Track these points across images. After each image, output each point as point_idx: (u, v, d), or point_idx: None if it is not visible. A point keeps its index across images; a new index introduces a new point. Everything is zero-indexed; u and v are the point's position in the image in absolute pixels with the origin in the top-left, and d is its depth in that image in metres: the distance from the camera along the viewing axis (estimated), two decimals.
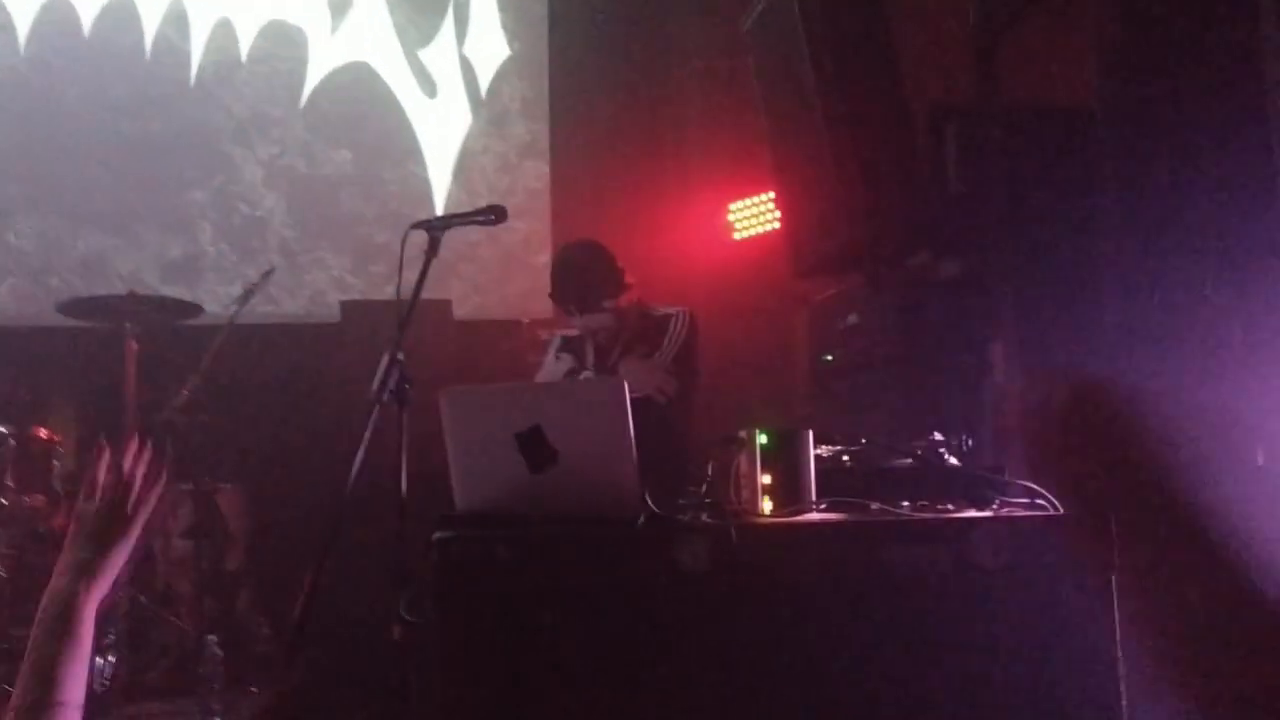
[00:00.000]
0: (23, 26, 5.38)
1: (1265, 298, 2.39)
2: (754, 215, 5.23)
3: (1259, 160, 2.24)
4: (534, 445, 2.01)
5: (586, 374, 3.47)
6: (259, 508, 4.99)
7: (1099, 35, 2.97)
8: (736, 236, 5.27)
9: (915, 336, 3.62)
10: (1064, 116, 3.36)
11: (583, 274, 3.51)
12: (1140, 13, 2.90)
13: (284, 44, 5.54)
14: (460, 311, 5.22)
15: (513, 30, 5.72)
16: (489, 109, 5.70)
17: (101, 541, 1.46)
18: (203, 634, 4.28)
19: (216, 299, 5.09)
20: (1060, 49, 3.40)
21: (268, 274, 4.72)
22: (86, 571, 1.43)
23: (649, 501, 1.96)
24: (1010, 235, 3.25)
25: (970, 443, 2.28)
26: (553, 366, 3.63)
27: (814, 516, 2.01)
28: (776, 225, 4.97)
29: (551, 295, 3.67)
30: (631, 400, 3.23)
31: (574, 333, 3.66)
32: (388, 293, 5.28)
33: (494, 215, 2.73)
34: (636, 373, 3.37)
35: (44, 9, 5.39)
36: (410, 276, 2.64)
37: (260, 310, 4.87)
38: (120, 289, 4.76)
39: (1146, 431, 2.44)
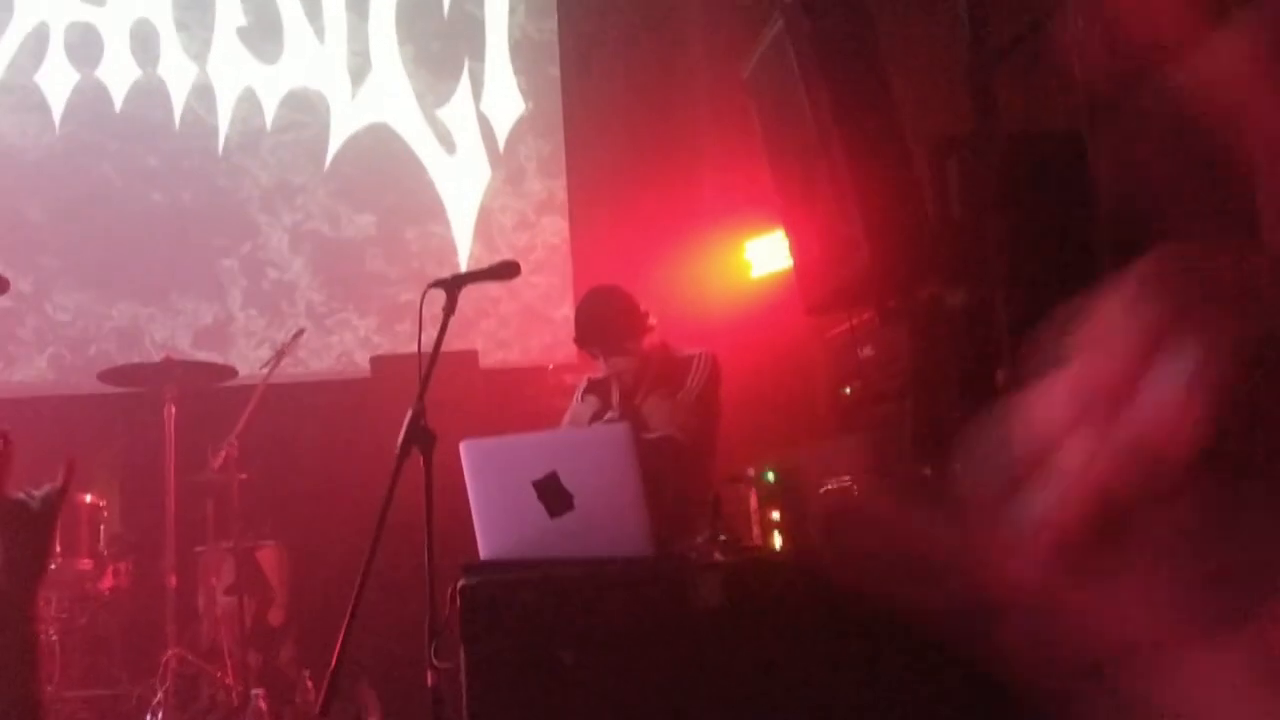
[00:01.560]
0: (58, 106, 5.59)
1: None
2: (771, 252, 5.31)
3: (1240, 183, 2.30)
4: (551, 492, 2.10)
5: (611, 415, 3.55)
6: (299, 563, 5.10)
7: (1085, 57, 3.05)
8: (754, 274, 5.35)
9: (925, 366, 3.68)
10: (1063, 141, 3.43)
11: (604, 317, 3.63)
12: (1120, 37, 2.97)
13: (306, 111, 5.72)
14: (485, 364, 5.35)
15: (526, 91, 5.87)
16: (507, 168, 5.83)
17: None
18: (248, 688, 4.39)
19: (247, 362, 5.24)
20: (1052, 76, 3.48)
21: (298, 335, 4.87)
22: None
23: (662, 540, 2.04)
24: (1011, 261, 3.32)
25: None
26: (578, 409, 3.72)
27: (822, 550, 2.08)
28: (790, 259, 5.06)
29: (576, 340, 3.77)
30: (656, 439, 3.33)
31: (600, 375, 3.76)
32: (414, 348, 5.42)
33: (507, 271, 2.85)
34: (660, 411, 3.47)
35: (77, 89, 5.60)
36: (431, 333, 2.76)
37: (290, 371, 5.01)
38: (155, 356, 4.93)
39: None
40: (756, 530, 2.12)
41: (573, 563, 2.03)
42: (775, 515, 2.08)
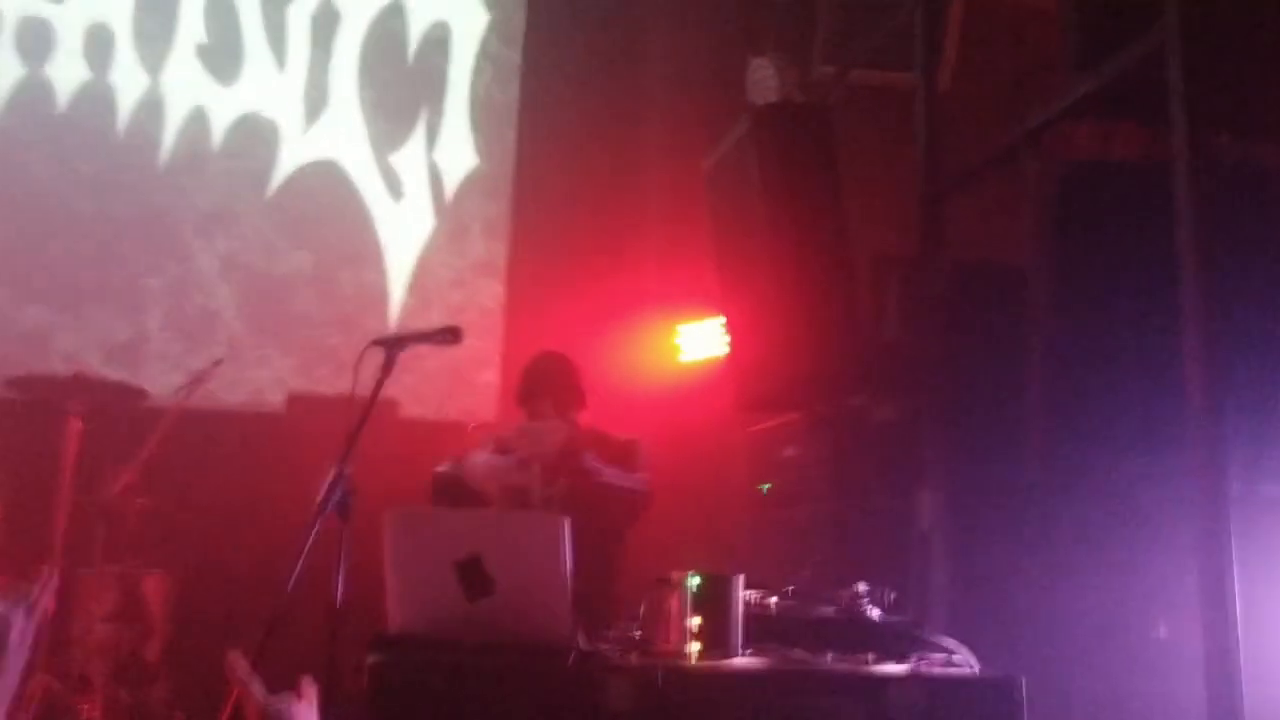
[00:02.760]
0: None
1: (1175, 466, 2.52)
2: (701, 339, 5.35)
3: (1172, 332, 2.39)
4: (472, 574, 2.06)
5: (533, 485, 3.48)
6: (185, 597, 4.92)
7: (1035, 208, 3.16)
8: (682, 359, 5.39)
9: (848, 476, 3.73)
10: (1004, 273, 3.55)
11: (554, 379, 3.64)
12: (1075, 184, 3.09)
13: (256, 139, 5.63)
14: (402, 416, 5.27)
15: (482, 150, 5.88)
16: (451, 224, 5.80)
17: None
18: None
19: (157, 387, 5.06)
20: (1001, 211, 3.60)
21: (216, 364, 4.75)
22: None
23: (581, 638, 2.01)
24: (943, 384, 3.40)
25: (893, 594, 2.37)
26: (499, 463, 3.63)
27: (739, 663, 2.07)
28: (724, 350, 5.12)
29: (519, 397, 3.74)
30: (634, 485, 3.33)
31: (512, 435, 3.70)
32: (331, 393, 5.32)
33: (450, 336, 2.82)
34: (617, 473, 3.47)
35: (20, 84, 5.45)
36: (362, 389, 2.71)
37: (201, 400, 4.86)
38: (59, 367, 4.75)
39: (1056, 597, 2.54)
40: (675, 636, 2.10)
41: (488, 650, 1.99)
42: (696, 622, 2.07)
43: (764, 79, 4.71)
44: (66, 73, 5.51)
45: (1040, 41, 4.03)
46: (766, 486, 4.22)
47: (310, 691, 1.50)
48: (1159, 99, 2.44)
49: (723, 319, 4.79)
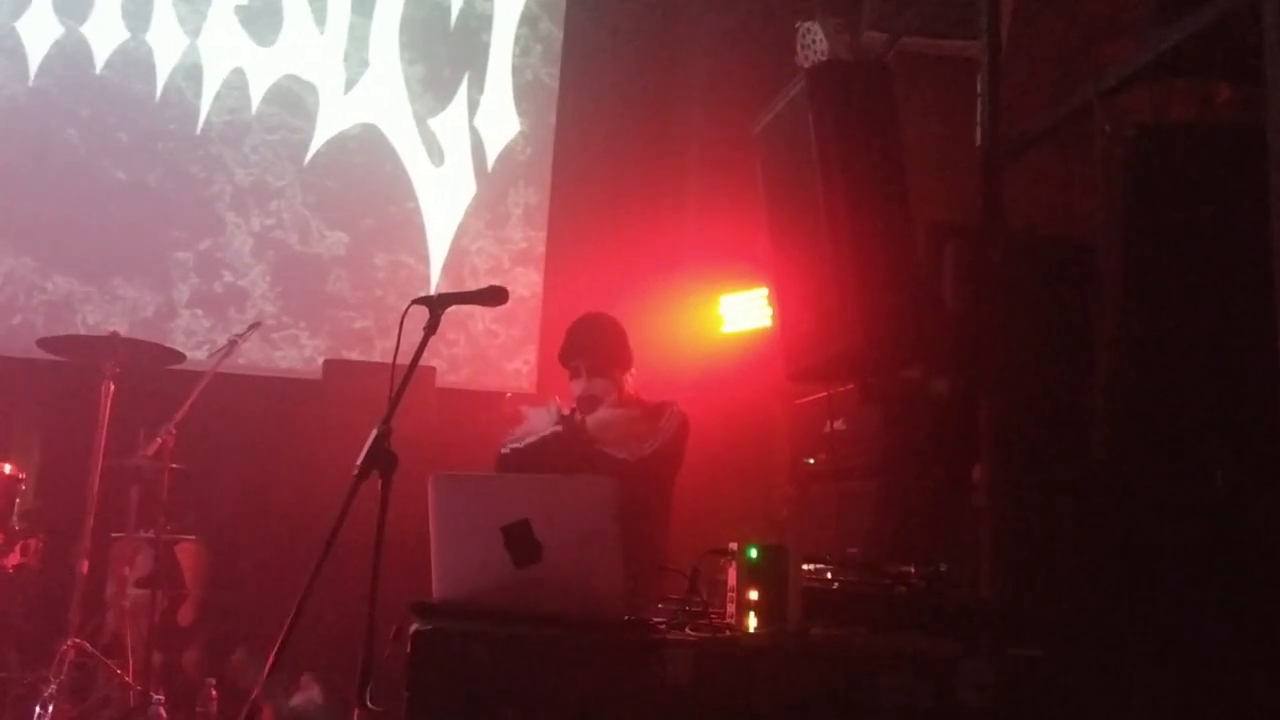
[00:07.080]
0: (35, 57, 5.36)
1: (1263, 448, 2.40)
2: (744, 310, 5.25)
3: (1261, 317, 2.26)
4: (520, 539, 1.98)
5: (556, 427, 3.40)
6: (218, 562, 4.89)
7: (1108, 173, 3.01)
8: (725, 330, 5.28)
9: (899, 449, 3.61)
10: (1065, 246, 3.40)
11: (596, 335, 3.56)
12: (1152, 156, 2.94)
13: (295, 104, 5.54)
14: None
15: (524, 120, 5.78)
16: (490, 210, 5.70)
17: None
18: (147, 689, 4.16)
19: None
20: (1067, 180, 3.46)
21: (253, 326, 4.69)
22: None
23: (633, 608, 1.93)
24: (1002, 358, 3.27)
25: (955, 571, 2.26)
26: (540, 418, 3.57)
27: (798, 638, 1.98)
28: (766, 321, 5.01)
29: (561, 355, 3.66)
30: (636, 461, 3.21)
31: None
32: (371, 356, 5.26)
33: (494, 296, 2.72)
34: (613, 425, 3.37)
35: (57, 43, 5.39)
36: (405, 350, 2.62)
37: (237, 364, 4.81)
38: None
39: (1122, 578, 2.43)
40: (732, 608, 2.01)
41: (536, 620, 1.90)
42: (754, 595, 1.98)
43: (814, 43, 4.57)
44: (104, 32, 5.44)
45: (1096, 13, 3.87)
46: (811, 460, 4.11)
47: (310, 683, 1.42)
48: (1248, 55, 2.29)
49: (766, 290, 4.68)
